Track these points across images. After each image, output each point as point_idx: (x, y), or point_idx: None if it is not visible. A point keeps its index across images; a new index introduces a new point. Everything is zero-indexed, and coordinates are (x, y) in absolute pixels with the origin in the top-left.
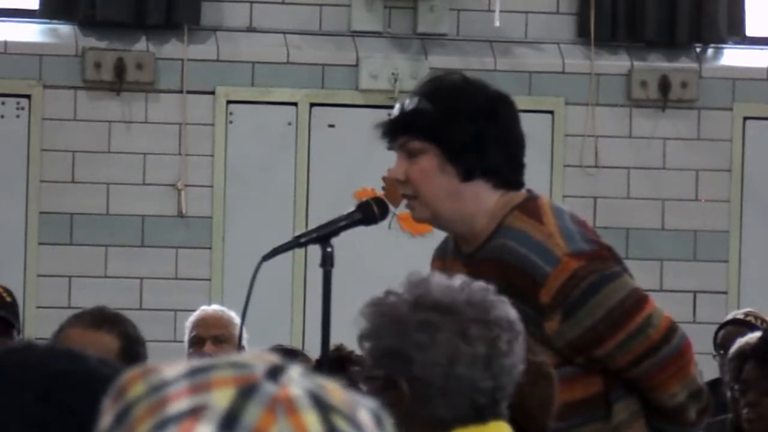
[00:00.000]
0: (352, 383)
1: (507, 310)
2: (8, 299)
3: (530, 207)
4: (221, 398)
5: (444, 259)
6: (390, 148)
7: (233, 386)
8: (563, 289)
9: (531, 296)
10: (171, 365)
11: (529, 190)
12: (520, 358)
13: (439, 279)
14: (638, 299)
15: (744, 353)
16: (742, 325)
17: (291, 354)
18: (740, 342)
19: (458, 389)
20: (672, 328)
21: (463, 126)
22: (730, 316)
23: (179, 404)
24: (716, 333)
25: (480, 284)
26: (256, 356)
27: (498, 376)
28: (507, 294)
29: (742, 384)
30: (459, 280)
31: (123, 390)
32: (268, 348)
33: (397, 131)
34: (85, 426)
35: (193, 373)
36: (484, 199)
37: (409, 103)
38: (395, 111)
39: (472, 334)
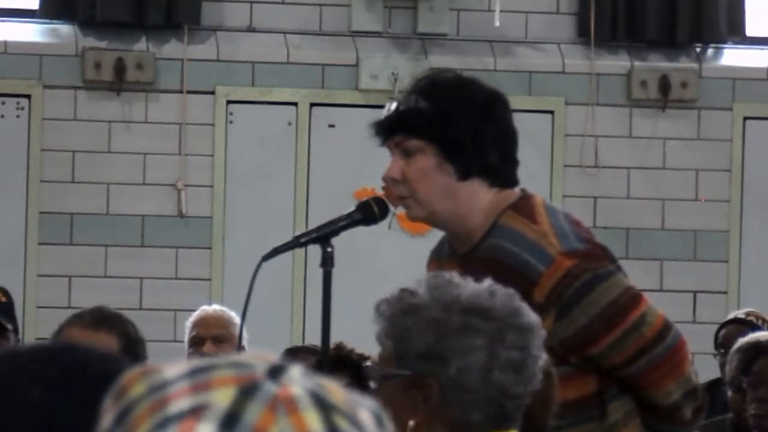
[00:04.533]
0: (358, 380)
1: (533, 315)
2: (3, 299)
3: (524, 206)
4: (222, 398)
5: (440, 261)
6: (383, 145)
7: (234, 386)
8: (557, 288)
9: (525, 295)
10: (171, 365)
11: (522, 190)
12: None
13: (460, 280)
14: (632, 298)
15: (756, 348)
16: (744, 325)
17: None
18: (751, 337)
19: (492, 394)
20: (666, 327)
21: (462, 125)
22: (731, 316)
23: (180, 404)
24: (717, 332)
25: (504, 289)
26: (256, 356)
27: (529, 382)
28: None
29: (752, 377)
30: (486, 283)
31: (123, 390)
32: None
33: (394, 130)
34: (96, 422)
35: (193, 372)
36: (479, 198)
37: (406, 101)
38: (389, 109)
39: (509, 339)
